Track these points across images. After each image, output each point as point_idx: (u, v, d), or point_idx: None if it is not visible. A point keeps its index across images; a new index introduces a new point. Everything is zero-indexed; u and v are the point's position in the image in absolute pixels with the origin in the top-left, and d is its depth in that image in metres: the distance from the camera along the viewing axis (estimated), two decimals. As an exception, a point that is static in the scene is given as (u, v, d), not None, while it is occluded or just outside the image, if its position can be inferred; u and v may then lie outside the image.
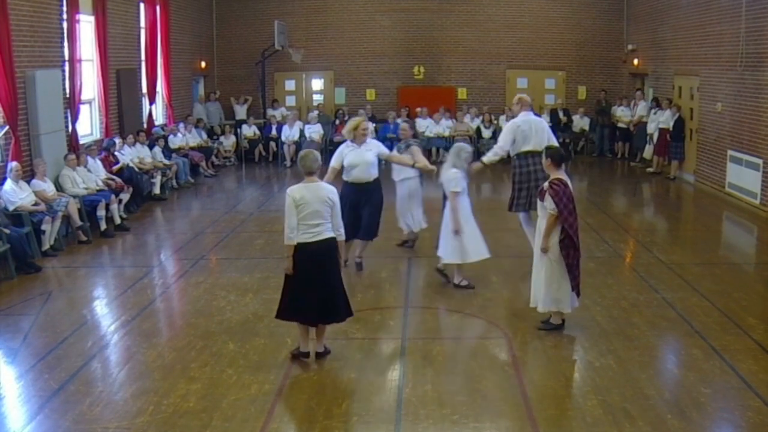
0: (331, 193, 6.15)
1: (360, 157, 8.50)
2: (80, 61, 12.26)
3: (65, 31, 11.86)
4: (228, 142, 18.40)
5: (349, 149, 8.59)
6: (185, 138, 16.46)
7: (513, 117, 9.39)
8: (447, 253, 7.99)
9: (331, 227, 6.11)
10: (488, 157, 9.12)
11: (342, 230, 6.25)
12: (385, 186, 9.05)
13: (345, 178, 8.63)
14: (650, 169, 16.51)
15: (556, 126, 18.91)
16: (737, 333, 6.78)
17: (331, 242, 6.13)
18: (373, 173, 8.60)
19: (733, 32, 13.02)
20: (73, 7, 11.89)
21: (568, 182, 6.67)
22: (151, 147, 14.38)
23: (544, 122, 9.42)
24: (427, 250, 9.74)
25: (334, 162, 8.65)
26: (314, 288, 6.09)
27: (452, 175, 7.91)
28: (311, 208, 6.01)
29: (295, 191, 6.05)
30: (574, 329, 7.00)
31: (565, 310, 6.80)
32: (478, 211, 8.43)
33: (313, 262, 6.05)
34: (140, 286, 8.54)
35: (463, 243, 7.87)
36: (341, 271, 6.35)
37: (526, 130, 8.80)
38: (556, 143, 8.66)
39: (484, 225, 8.35)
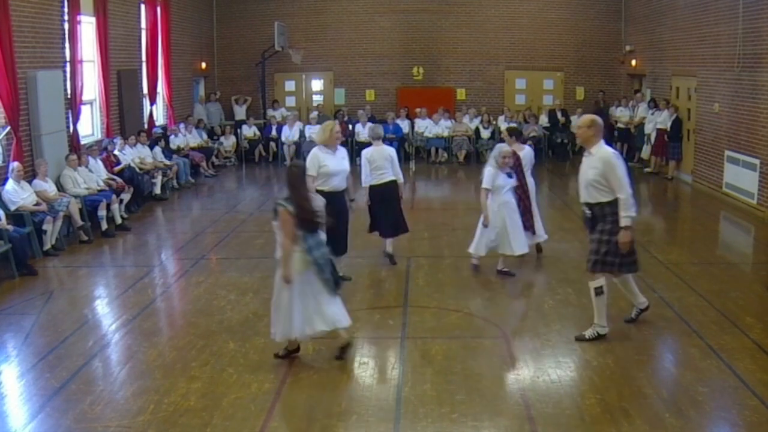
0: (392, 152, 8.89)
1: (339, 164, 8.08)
2: (81, 61, 12.30)
3: (66, 32, 11.90)
4: (228, 142, 18.44)
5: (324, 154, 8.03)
6: (186, 138, 16.51)
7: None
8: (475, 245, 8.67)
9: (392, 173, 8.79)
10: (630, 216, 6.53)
11: (401, 175, 8.88)
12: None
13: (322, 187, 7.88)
14: (648, 170, 16.56)
15: (554, 126, 19.03)
16: (734, 332, 6.82)
17: (392, 183, 8.77)
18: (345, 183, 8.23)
19: (730, 33, 13.07)
20: (74, 8, 11.93)
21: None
22: (151, 147, 14.42)
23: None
24: (427, 250, 9.79)
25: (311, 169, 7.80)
26: (383, 214, 8.76)
27: (485, 172, 8.41)
28: (378, 163, 8.66)
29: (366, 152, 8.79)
30: (573, 329, 7.04)
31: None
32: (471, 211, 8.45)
33: (382, 196, 8.69)
34: (141, 285, 8.58)
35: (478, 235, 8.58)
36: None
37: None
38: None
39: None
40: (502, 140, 9.90)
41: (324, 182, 7.91)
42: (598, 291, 6.57)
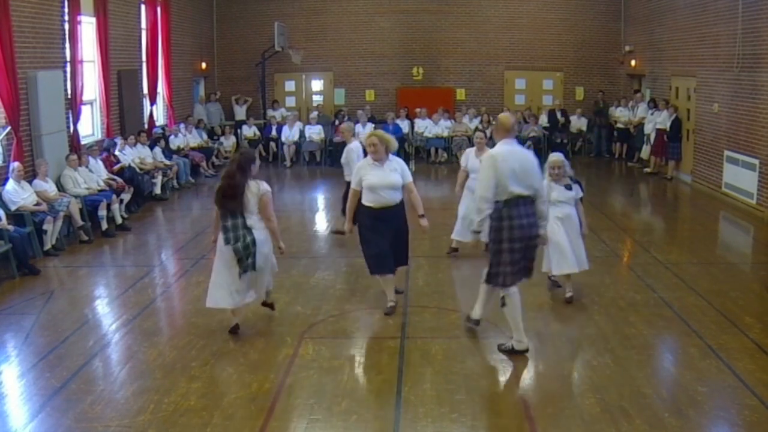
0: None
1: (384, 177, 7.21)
2: (81, 62, 12.31)
3: (67, 32, 11.91)
4: (228, 142, 18.44)
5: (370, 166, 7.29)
6: (186, 138, 16.53)
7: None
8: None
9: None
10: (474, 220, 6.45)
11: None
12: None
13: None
14: (647, 170, 16.58)
15: (554, 127, 19.05)
16: (734, 332, 6.84)
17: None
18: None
19: (729, 33, 13.09)
20: (75, 8, 11.94)
21: None
22: (151, 147, 14.43)
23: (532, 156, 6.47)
24: (426, 250, 9.79)
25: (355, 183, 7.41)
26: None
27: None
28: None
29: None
30: (572, 328, 7.06)
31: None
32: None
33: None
34: (141, 285, 8.60)
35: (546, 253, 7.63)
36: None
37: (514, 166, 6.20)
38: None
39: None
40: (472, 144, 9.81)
41: (370, 197, 7.21)
42: (501, 303, 6.38)
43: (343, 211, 10.43)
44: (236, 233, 6.58)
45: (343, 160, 10.18)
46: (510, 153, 6.21)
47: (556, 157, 7.64)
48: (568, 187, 7.55)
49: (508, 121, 6.37)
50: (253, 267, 6.64)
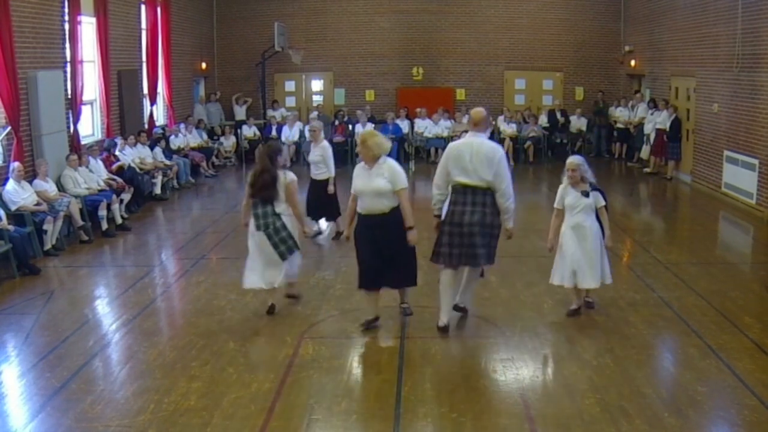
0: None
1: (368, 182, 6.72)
2: (82, 62, 12.31)
3: (67, 32, 11.92)
4: (228, 142, 18.46)
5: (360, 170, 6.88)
6: (186, 138, 16.54)
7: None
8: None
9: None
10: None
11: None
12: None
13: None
14: (647, 170, 16.59)
15: (554, 127, 19.06)
16: (733, 332, 6.84)
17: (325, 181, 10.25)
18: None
19: (729, 34, 13.09)
20: (75, 9, 11.95)
21: None
22: (152, 147, 14.44)
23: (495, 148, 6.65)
24: (426, 250, 9.79)
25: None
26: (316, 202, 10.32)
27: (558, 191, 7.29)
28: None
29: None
30: (572, 328, 7.06)
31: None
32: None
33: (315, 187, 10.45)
34: (141, 285, 8.60)
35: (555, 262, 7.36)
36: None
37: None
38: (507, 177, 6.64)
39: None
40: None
41: (359, 202, 6.77)
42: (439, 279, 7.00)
43: (308, 215, 10.48)
44: (266, 220, 7.11)
45: (316, 158, 10.34)
46: (466, 144, 6.62)
47: (572, 159, 7.18)
48: (585, 194, 7.05)
49: (478, 114, 6.74)
50: (296, 247, 7.25)
